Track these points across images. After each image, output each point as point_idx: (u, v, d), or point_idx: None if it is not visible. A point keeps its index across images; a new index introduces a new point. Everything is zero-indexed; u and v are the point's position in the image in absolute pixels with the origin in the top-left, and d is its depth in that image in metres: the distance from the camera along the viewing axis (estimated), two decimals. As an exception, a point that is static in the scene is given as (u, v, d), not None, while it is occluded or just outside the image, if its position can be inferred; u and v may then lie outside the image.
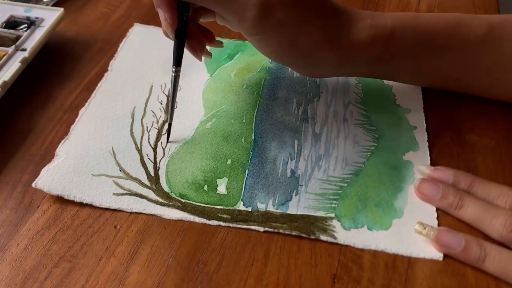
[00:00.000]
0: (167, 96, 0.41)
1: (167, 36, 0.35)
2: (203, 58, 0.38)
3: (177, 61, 0.35)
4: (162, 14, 0.33)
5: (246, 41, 0.44)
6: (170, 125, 0.37)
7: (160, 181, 0.34)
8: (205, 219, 0.32)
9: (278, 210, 0.33)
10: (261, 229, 0.32)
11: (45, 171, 0.34)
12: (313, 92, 0.42)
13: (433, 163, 0.36)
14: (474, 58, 0.37)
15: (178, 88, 0.42)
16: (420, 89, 0.42)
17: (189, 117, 0.39)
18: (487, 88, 0.40)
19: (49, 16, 0.45)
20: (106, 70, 0.44)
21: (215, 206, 0.33)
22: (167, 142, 0.37)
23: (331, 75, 0.40)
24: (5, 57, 0.40)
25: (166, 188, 0.34)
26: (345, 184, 0.34)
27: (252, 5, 0.31)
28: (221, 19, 0.37)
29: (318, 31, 0.34)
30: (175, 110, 0.40)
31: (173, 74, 0.36)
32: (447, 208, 0.32)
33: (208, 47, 0.38)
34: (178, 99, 0.41)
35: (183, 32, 0.34)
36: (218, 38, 0.39)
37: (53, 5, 0.50)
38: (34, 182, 0.34)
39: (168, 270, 0.30)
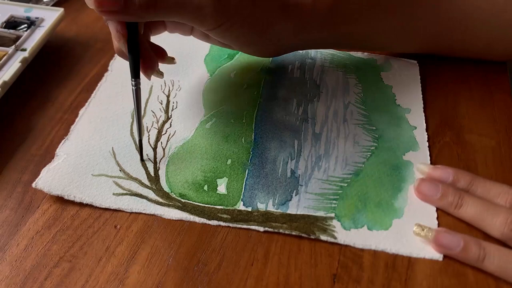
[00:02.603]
0: (167, 96, 0.41)
1: (120, 53, 0.34)
2: (202, 61, 0.38)
3: (135, 73, 0.33)
4: (113, 27, 0.32)
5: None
6: (140, 141, 0.35)
7: (160, 181, 0.34)
8: (205, 219, 0.32)
9: (278, 210, 0.33)
10: (261, 229, 0.32)
11: (45, 171, 0.34)
12: (313, 92, 0.42)
13: (433, 163, 0.36)
14: (416, 16, 0.39)
15: (178, 88, 0.42)
16: (420, 89, 0.42)
17: (189, 117, 0.39)
18: (436, 45, 0.43)
19: (49, 16, 0.45)
20: (106, 70, 0.44)
21: (215, 206, 0.33)
22: (141, 159, 0.36)
23: (290, 48, 0.41)
24: (5, 57, 0.40)
25: (166, 188, 0.34)
26: (345, 184, 0.34)
27: (206, 1, 0.32)
28: (173, 28, 0.38)
29: (271, 3, 0.35)
30: (175, 110, 0.40)
31: (133, 88, 0.34)
32: (447, 208, 0.32)
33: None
34: (178, 99, 0.41)
35: (136, 43, 0.33)
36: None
37: (53, 5, 0.50)
38: (34, 182, 0.34)
39: (168, 270, 0.30)
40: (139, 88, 0.34)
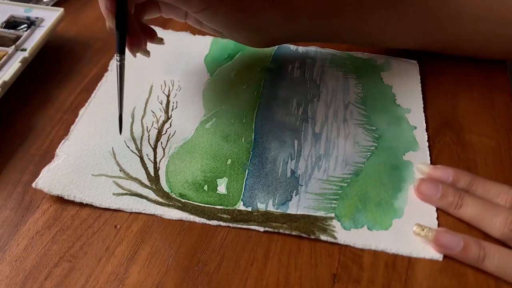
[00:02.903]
0: (167, 96, 0.41)
1: (111, 31, 0.34)
2: (202, 61, 0.38)
3: (120, 48, 0.34)
4: (102, 3, 0.33)
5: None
6: (120, 116, 0.37)
7: (160, 181, 0.34)
8: (205, 219, 0.32)
9: (278, 210, 0.33)
10: (261, 229, 0.32)
11: (45, 171, 0.34)
12: (313, 92, 0.42)
13: (433, 163, 0.36)
14: (409, 12, 0.39)
15: (178, 88, 0.42)
16: (420, 89, 0.42)
17: (189, 117, 0.39)
18: (429, 42, 0.43)
19: (49, 16, 0.45)
20: (106, 70, 0.44)
21: (215, 206, 0.33)
22: (120, 133, 0.37)
23: (280, 38, 0.41)
24: (5, 57, 0.40)
25: (166, 188, 0.34)
26: (345, 184, 0.34)
27: None
28: (167, 11, 0.38)
29: None
30: (175, 110, 0.40)
31: (118, 63, 0.35)
32: (447, 208, 0.32)
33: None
34: (178, 99, 0.41)
35: (123, 20, 0.33)
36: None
37: (53, 5, 0.50)
38: (34, 182, 0.34)
39: (168, 270, 0.30)
40: (123, 64, 0.35)
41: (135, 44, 0.35)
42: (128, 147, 0.37)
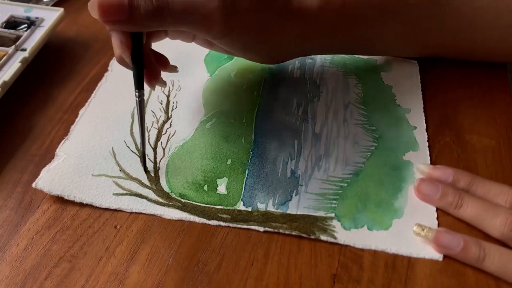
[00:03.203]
0: (167, 96, 0.41)
1: (122, 62, 0.32)
2: (202, 61, 0.38)
3: (139, 84, 0.32)
4: (116, 38, 0.31)
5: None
6: (143, 154, 0.35)
7: (160, 181, 0.34)
8: (205, 219, 0.32)
9: (278, 210, 0.33)
10: (261, 229, 0.32)
11: (45, 171, 0.34)
12: (313, 92, 0.42)
13: (433, 163, 0.36)
14: (419, 23, 0.39)
15: (178, 88, 0.42)
16: (420, 89, 0.42)
17: (189, 117, 0.39)
18: (443, 50, 0.43)
19: (49, 16, 0.45)
20: (106, 70, 0.44)
21: (215, 206, 0.33)
22: (145, 171, 0.35)
23: (293, 54, 0.41)
24: (5, 57, 0.40)
25: (166, 188, 0.34)
26: (345, 184, 0.34)
27: (214, 9, 0.31)
28: (174, 35, 0.37)
29: (276, 10, 0.35)
30: (175, 110, 0.40)
31: (137, 99, 0.33)
32: (447, 208, 0.32)
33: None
34: (178, 99, 0.41)
35: (140, 54, 0.32)
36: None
37: (53, 5, 0.50)
38: (34, 182, 0.34)
39: (168, 270, 0.30)
40: (143, 100, 0.33)
41: (153, 77, 0.34)
42: (128, 147, 0.37)
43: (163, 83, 0.36)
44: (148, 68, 0.33)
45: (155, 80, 0.34)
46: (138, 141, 0.37)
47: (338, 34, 0.39)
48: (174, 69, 0.37)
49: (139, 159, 0.36)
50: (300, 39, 0.38)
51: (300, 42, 0.38)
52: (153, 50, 0.36)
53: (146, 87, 0.33)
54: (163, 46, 0.38)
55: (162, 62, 0.36)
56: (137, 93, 0.32)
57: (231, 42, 0.35)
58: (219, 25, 0.32)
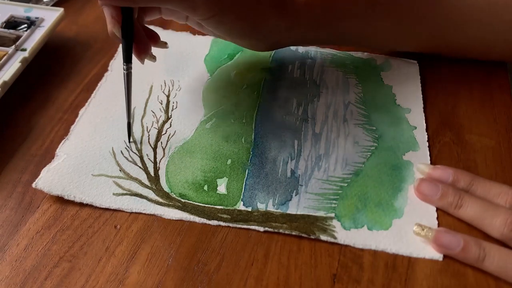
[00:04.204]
0: (167, 96, 0.41)
1: (113, 36, 0.34)
2: (202, 61, 0.38)
3: (127, 58, 0.34)
4: (107, 12, 0.33)
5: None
6: (129, 123, 0.37)
7: (160, 181, 0.34)
8: (205, 219, 0.32)
9: (278, 210, 0.33)
10: (261, 229, 0.32)
11: (45, 172, 0.34)
12: (313, 92, 0.42)
13: (433, 163, 0.36)
14: (412, 17, 0.40)
15: (178, 88, 0.42)
16: (420, 89, 0.42)
17: (189, 117, 0.39)
18: (432, 44, 0.43)
19: (49, 16, 0.45)
20: (106, 70, 0.44)
21: (215, 206, 0.33)
22: (129, 141, 0.37)
23: (283, 43, 0.41)
24: (5, 57, 0.40)
25: (166, 188, 0.34)
26: (345, 184, 0.34)
27: None
28: (168, 13, 0.38)
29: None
30: (175, 110, 0.40)
31: (125, 72, 0.34)
32: (447, 208, 0.32)
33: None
34: (178, 99, 0.41)
35: (130, 29, 0.33)
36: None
37: (53, 5, 0.50)
38: (34, 182, 0.34)
39: (168, 270, 0.30)
40: (131, 72, 0.35)
41: (143, 51, 0.35)
42: (128, 147, 0.37)
43: (153, 57, 0.37)
44: (138, 42, 0.34)
45: (144, 53, 0.35)
46: (138, 141, 0.37)
47: (326, 26, 0.39)
48: (164, 45, 0.38)
49: (139, 159, 0.36)
50: (288, 29, 0.38)
51: (288, 32, 0.39)
52: (145, 26, 0.37)
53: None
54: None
55: (152, 38, 0.37)
56: (125, 66, 0.34)
57: (217, 25, 0.36)
58: (203, 6, 0.33)
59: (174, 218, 0.32)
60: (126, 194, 0.34)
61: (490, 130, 0.39)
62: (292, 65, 0.45)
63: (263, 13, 0.37)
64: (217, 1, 0.34)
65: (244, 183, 0.34)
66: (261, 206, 0.33)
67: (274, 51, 0.46)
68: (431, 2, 0.39)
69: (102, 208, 0.33)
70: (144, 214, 0.33)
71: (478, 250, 0.29)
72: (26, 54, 0.41)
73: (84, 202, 0.33)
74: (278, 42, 0.40)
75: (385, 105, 0.41)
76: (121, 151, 0.36)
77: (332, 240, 0.31)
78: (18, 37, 0.43)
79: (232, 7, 0.35)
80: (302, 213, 0.33)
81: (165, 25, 0.49)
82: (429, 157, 0.36)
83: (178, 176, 0.35)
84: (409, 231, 0.31)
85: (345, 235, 0.31)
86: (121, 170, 0.35)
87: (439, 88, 0.42)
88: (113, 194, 0.33)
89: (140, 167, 0.35)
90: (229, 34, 0.38)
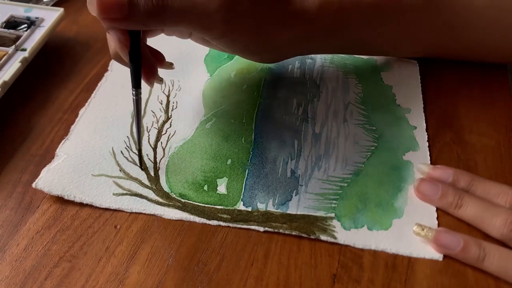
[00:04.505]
0: (167, 96, 0.41)
1: (119, 60, 0.32)
2: (202, 61, 0.38)
3: (136, 83, 0.32)
4: (114, 36, 0.30)
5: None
6: (140, 151, 0.35)
7: (160, 181, 0.34)
8: (205, 219, 0.32)
9: (278, 210, 0.33)
10: (261, 229, 0.32)
11: (45, 171, 0.34)
12: (313, 92, 0.42)
13: (433, 163, 0.36)
14: (417, 23, 0.40)
15: (178, 88, 0.42)
16: (420, 89, 0.42)
17: (189, 117, 0.39)
18: (436, 51, 0.43)
19: (49, 16, 0.45)
20: (106, 70, 0.44)
21: (215, 206, 0.33)
22: (141, 168, 0.35)
23: (294, 53, 0.41)
24: (5, 57, 0.40)
25: (166, 188, 0.34)
26: (345, 184, 0.34)
27: (215, 10, 0.31)
28: (170, 31, 0.37)
29: (276, 11, 0.35)
30: (175, 110, 0.40)
31: (134, 98, 0.33)
32: (447, 208, 0.32)
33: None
34: (178, 99, 0.41)
35: (138, 52, 0.31)
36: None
37: (53, 5, 0.50)
38: (34, 182, 0.34)
39: (168, 270, 0.30)
40: (140, 98, 0.33)
41: (150, 74, 0.33)
42: (128, 147, 0.37)
43: (160, 80, 0.36)
44: (145, 65, 0.33)
45: (153, 77, 0.34)
46: (137, 148, 0.37)
47: (336, 34, 0.39)
48: (170, 66, 0.37)
49: (138, 158, 0.36)
50: (299, 40, 0.38)
51: (299, 42, 0.38)
52: (149, 46, 0.36)
53: (144, 85, 0.33)
54: (163, 46, 0.38)
55: (158, 59, 0.36)
56: (134, 92, 0.32)
57: (230, 43, 0.35)
58: (219, 26, 0.32)
59: (174, 218, 0.32)
60: (126, 194, 0.34)
61: (490, 130, 0.39)
62: (292, 65, 0.45)
63: (275, 28, 0.36)
64: (231, 20, 0.32)
65: (244, 183, 0.34)
66: (261, 206, 0.33)
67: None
68: (435, 8, 0.39)
69: (102, 208, 0.33)
70: (144, 214, 0.33)
71: (478, 250, 0.29)
72: (26, 54, 0.41)
73: (84, 202, 0.33)
74: (289, 54, 0.40)
75: (385, 105, 0.41)
76: (121, 151, 0.36)
77: (332, 240, 0.31)
78: (18, 37, 0.43)
79: (245, 25, 0.34)
80: (302, 213, 0.33)
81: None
82: (429, 157, 0.36)
83: (178, 176, 0.35)
84: (409, 231, 0.31)
85: (345, 235, 0.31)
86: (121, 170, 0.35)
87: (439, 88, 0.42)
88: (113, 194, 0.33)
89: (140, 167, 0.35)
90: (240, 51, 0.37)
